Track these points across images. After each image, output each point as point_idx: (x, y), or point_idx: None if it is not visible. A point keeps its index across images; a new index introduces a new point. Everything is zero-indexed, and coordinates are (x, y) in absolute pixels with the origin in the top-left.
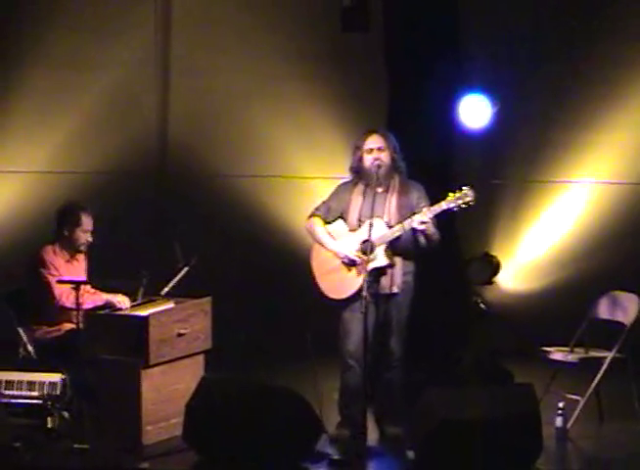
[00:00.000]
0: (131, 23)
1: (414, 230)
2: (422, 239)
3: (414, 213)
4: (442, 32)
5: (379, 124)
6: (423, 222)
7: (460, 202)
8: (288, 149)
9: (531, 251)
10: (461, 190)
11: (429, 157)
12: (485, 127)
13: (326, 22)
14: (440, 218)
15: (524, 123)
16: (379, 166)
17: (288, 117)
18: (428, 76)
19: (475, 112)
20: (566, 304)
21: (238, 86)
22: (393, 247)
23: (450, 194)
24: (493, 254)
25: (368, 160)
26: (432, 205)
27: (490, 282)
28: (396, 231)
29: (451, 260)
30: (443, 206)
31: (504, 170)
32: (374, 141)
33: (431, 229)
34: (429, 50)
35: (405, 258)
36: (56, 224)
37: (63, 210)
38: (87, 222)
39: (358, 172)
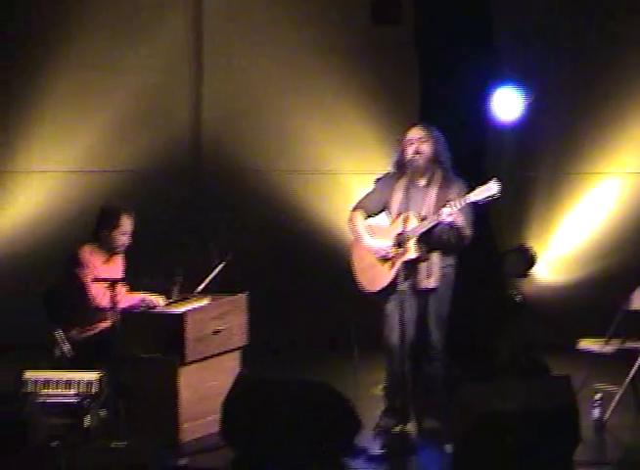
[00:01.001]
0: (163, 21)
1: (445, 223)
2: (452, 232)
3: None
4: (475, 24)
5: (412, 118)
6: (450, 214)
7: (486, 194)
8: (321, 144)
9: (566, 243)
10: (487, 183)
11: (462, 150)
12: (518, 120)
13: (358, 15)
14: (475, 212)
15: (557, 116)
16: (417, 154)
17: (321, 112)
18: (460, 69)
19: (508, 104)
20: (601, 295)
21: (271, 81)
22: (426, 240)
23: (477, 187)
24: (528, 246)
25: (409, 151)
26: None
27: (526, 275)
28: (427, 224)
29: (486, 253)
30: (469, 198)
31: (538, 163)
32: (414, 133)
33: (459, 222)
34: (461, 42)
35: (444, 252)
36: (95, 224)
37: (104, 211)
38: (127, 225)
39: (400, 166)
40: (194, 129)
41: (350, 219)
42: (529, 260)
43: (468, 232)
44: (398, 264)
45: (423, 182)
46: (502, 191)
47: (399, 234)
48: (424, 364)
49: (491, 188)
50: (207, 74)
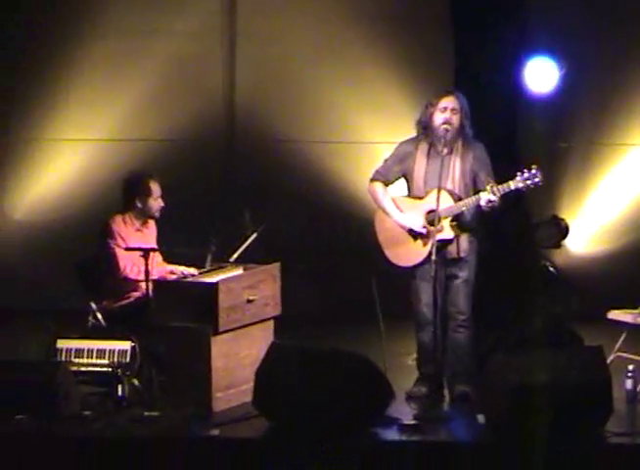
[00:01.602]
0: None
1: (479, 206)
2: (486, 214)
3: (478, 192)
4: None
5: (446, 88)
6: (490, 201)
7: (529, 182)
8: (354, 114)
9: (599, 214)
10: (530, 170)
11: (495, 121)
12: (552, 91)
13: None
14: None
15: (590, 87)
16: (447, 130)
17: (354, 82)
18: (493, 40)
19: (541, 75)
20: (634, 266)
21: (303, 51)
22: (459, 219)
23: (518, 174)
24: (561, 217)
25: (439, 118)
26: (499, 183)
27: (559, 245)
28: (462, 206)
29: (519, 224)
30: (512, 186)
31: (570, 133)
32: (450, 101)
33: (495, 206)
34: (494, 14)
35: (470, 229)
36: (125, 195)
37: (131, 180)
38: (157, 190)
39: (426, 129)
40: (227, 99)
41: (372, 190)
42: (562, 231)
43: (497, 207)
44: (434, 242)
45: (445, 151)
46: (535, 161)
47: (431, 211)
48: (452, 332)
49: (534, 176)
50: (241, 43)
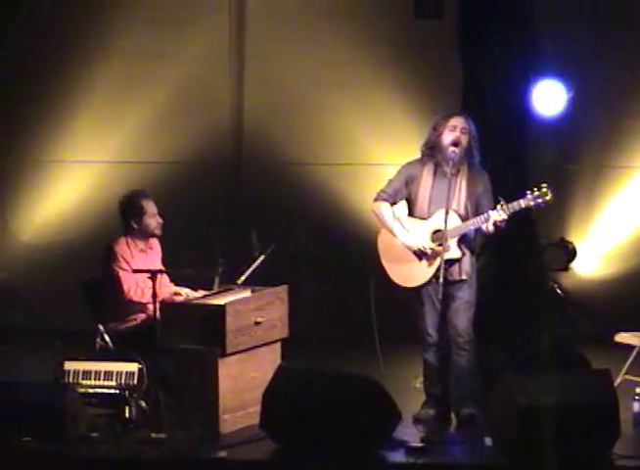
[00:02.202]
0: (206, 13)
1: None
2: (490, 233)
3: (494, 206)
4: (516, 18)
5: (452, 111)
6: (499, 220)
7: (539, 200)
8: (362, 136)
9: (607, 236)
10: (540, 189)
11: (503, 143)
12: (560, 113)
13: (399, 8)
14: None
15: (598, 109)
16: (455, 150)
17: (362, 105)
18: (502, 63)
19: (549, 97)
20: None
21: (312, 74)
22: (464, 239)
23: (528, 192)
24: (569, 239)
25: (448, 138)
26: (508, 202)
27: (566, 268)
28: (470, 225)
29: (527, 246)
30: (522, 204)
31: (579, 156)
32: (458, 121)
33: (502, 226)
34: (502, 36)
35: (478, 249)
36: (122, 218)
37: (123, 202)
38: (150, 207)
39: (432, 149)
40: (235, 121)
41: (377, 210)
42: (570, 254)
43: (503, 228)
44: (439, 263)
45: (449, 171)
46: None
47: (438, 231)
48: (454, 354)
49: (546, 195)
50: (249, 66)
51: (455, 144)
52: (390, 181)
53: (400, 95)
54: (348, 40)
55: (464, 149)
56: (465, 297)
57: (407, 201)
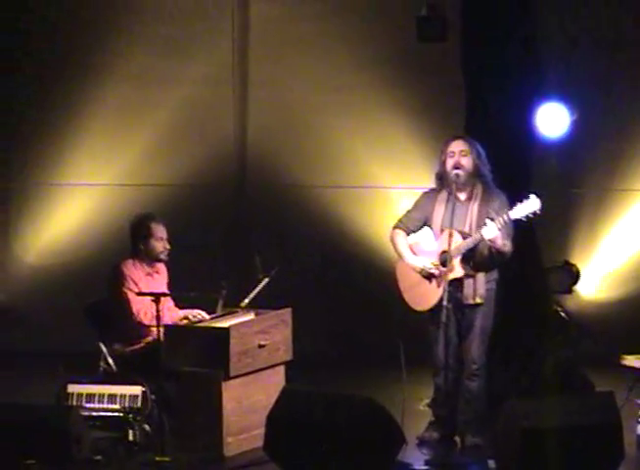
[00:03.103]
0: (209, 37)
1: (486, 241)
2: (492, 249)
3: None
4: (520, 41)
5: (454, 134)
6: (491, 233)
7: (526, 211)
8: (366, 159)
9: (611, 259)
10: (527, 198)
11: (506, 165)
12: (564, 136)
13: (402, 31)
14: (519, 228)
15: (602, 132)
16: (457, 174)
17: (365, 127)
18: (505, 85)
19: (553, 120)
20: None
21: (315, 97)
22: (469, 258)
23: (518, 203)
24: (573, 262)
25: (449, 163)
26: (498, 216)
27: (570, 291)
28: (470, 242)
29: (531, 269)
30: (510, 215)
31: (583, 179)
32: (456, 145)
33: (498, 241)
34: (506, 59)
35: (488, 268)
36: (130, 239)
37: (133, 224)
38: (159, 230)
39: (442, 178)
40: (239, 144)
41: (392, 238)
42: (574, 277)
43: (508, 247)
44: (445, 283)
45: (463, 196)
46: (547, 207)
47: (443, 252)
48: (465, 379)
49: (532, 204)
50: (252, 89)
51: (456, 167)
52: (408, 211)
53: (404, 118)
54: (352, 64)
55: (468, 171)
56: (479, 324)
57: (429, 228)
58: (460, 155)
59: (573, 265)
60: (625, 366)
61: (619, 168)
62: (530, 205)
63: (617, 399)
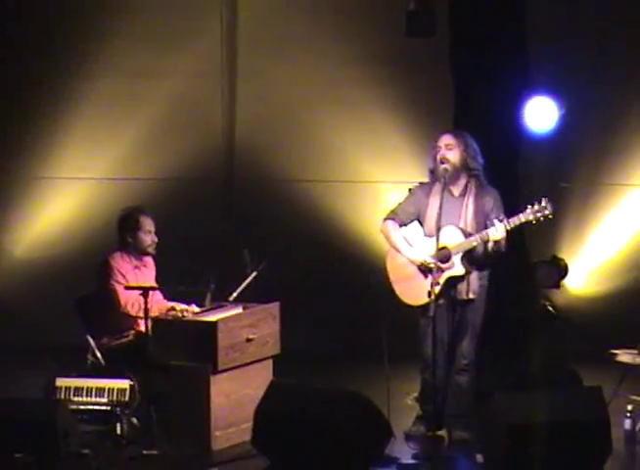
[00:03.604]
0: (197, 32)
1: (487, 243)
2: (494, 249)
3: (489, 225)
4: (508, 36)
5: (445, 128)
6: (498, 234)
7: (539, 215)
8: (355, 154)
9: (599, 253)
10: (540, 203)
11: (495, 160)
12: (552, 131)
13: (391, 26)
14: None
15: (590, 127)
16: (445, 167)
17: (354, 122)
18: (494, 80)
19: (541, 115)
20: (634, 306)
21: (304, 92)
22: (469, 256)
23: (529, 206)
24: (561, 257)
25: (437, 158)
26: (508, 217)
27: (558, 285)
28: (473, 241)
29: (519, 264)
30: (522, 219)
31: (571, 173)
32: (442, 140)
33: (503, 242)
34: (495, 53)
35: (480, 265)
36: (118, 232)
37: (121, 216)
38: (147, 223)
39: (433, 172)
40: (227, 138)
41: (384, 229)
42: (562, 271)
43: (505, 247)
44: (443, 280)
45: (457, 192)
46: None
47: (442, 248)
48: (454, 375)
49: (545, 208)
50: (241, 83)
51: (442, 161)
52: (400, 203)
53: (392, 112)
54: (340, 59)
55: (454, 165)
56: (471, 319)
57: (419, 222)
58: (446, 149)
59: (561, 260)
60: (613, 360)
61: (607, 163)
62: (543, 209)
63: (605, 393)
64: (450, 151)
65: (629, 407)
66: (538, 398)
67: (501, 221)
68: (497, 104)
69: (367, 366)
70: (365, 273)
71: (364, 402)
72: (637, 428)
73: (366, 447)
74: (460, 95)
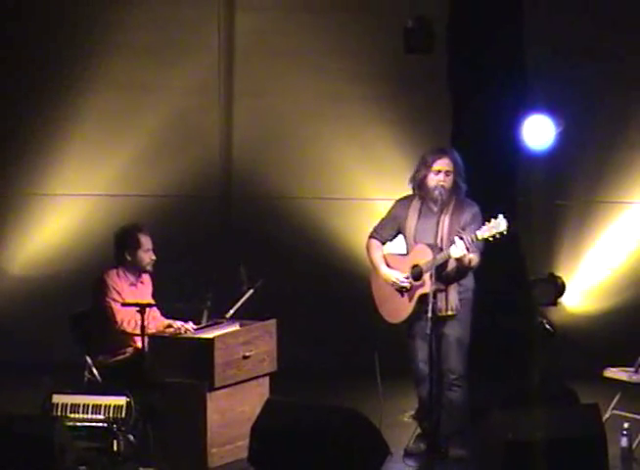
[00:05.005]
0: (195, 47)
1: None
2: (459, 264)
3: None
4: (506, 53)
5: (442, 145)
6: (458, 251)
7: (494, 231)
8: (352, 171)
9: (596, 271)
10: (495, 218)
11: (492, 177)
12: (549, 148)
13: (389, 43)
14: (503, 240)
15: (587, 144)
16: (441, 193)
17: (352, 139)
18: (491, 97)
19: (538, 132)
20: (631, 324)
21: (301, 108)
22: (437, 273)
23: (485, 223)
24: (558, 274)
25: (433, 181)
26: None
27: (555, 303)
28: (439, 259)
29: (516, 281)
30: (478, 236)
31: (568, 191)
32: (445, 163)
33: (465, 259)
34: (492, 71)
35: (454, 280)
36: (115, 249)
37: (120, 234)
38: (147, 242)
39: (419, 188)
40: (224, 154)
41: (367, 247)
42: (559, 289)
43: (474, 262)
44: (416, 297)
45: (435, 208)
46: (532, 219)
47: (414, 266)
48: (446, 390)
49: (499, 224)
50: (238, 99)
51: (439, 187)
52: (382, 220)
53: (391, 129)
54: (338, 75)
55: (449, 189)
56: (454, 334)
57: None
58: (445, 175)
59: (558, 277)
60: (610, 379)
61: (604, 180)
62: (497, 225)
63: (602, 411)
64: (449, 176)
65: (626, 425)
66: (534, 415)
67: (461, 239)
68: (495, 121)
69: (364, 383)
70: (362, 289)
71: (361, 419)
72: (634, 446)
73: (363, 465)
74: (458, 112)
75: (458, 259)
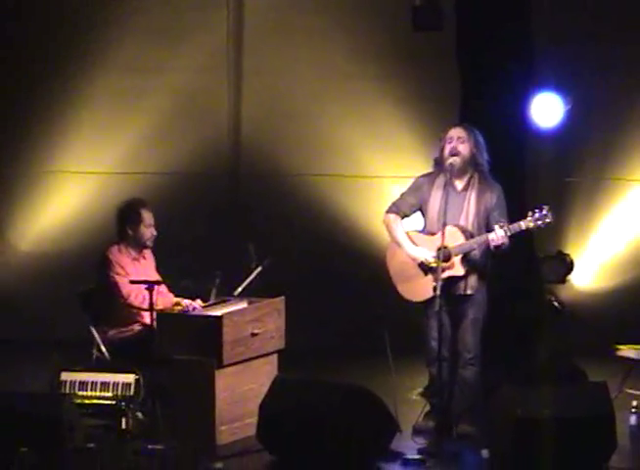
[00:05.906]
0: (204, 25)
1: (488, 245)
2: (492, 252)
3: (490, 230)
4: (515, 30)
5: (451, 123)
6: (500, 240)
7: (539, 222)
8: (361, 148)
9: (605, 249)
10: (541, 210)
11: (501, 155)
12: (558, 126)
13: (397, 21)
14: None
15: (596, 121)
16: (454, 160)
17: (360, 117)
18: (500, 75)
19: (547, 110)
20: (639, 301)
21: (310, 86)
22: (469, 258)
23: (530, 214)
24: (567, 252)
25: (446, 149)
26: (511, 220)
27: (564, 281)
28: (473, 243)
29: (525, 259)
30: (522, 226)
31: (577, 168)
32: (455, 132)
33: (503, 247)
34: (501, 48)
35: (484, 266)
36: (118, 224)
37: (122, 209)
38: (148, 217)
39: (440, 164)
40: (233, 133)
41: (386, 222)
42: (568, 266)
43: (507, 245)
44: (438, 279)
45: (460, 185)
46: (541, 196)
47: (443, 247)
48: (460, 368)
49: (546, 217)
50: (247, 77)
51: (453, 154)
52: (402, 194)
53: (399, 107)
54: (346, 53)
55: (464, 158)
56: (472, 314)
57: (421, 213)
58: (457, 141)
59: (567, 255)
60: (620, 357)
61: (613, 157)
62: (544, 217)
63: (611, 389)
64: (462, 144)
65: (634, 403)
66: (544, 393)
67: (502, 227)
68: (504, 99)
69: (372, 361)
70: (371, 268)
71: (369, 397)
72: None
73: (371, 442)
74: (466, 90)
75: (496, 247)
